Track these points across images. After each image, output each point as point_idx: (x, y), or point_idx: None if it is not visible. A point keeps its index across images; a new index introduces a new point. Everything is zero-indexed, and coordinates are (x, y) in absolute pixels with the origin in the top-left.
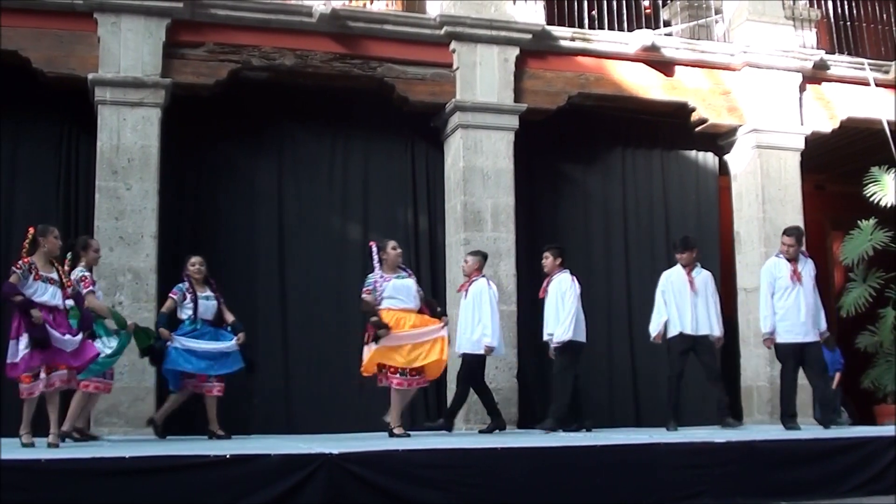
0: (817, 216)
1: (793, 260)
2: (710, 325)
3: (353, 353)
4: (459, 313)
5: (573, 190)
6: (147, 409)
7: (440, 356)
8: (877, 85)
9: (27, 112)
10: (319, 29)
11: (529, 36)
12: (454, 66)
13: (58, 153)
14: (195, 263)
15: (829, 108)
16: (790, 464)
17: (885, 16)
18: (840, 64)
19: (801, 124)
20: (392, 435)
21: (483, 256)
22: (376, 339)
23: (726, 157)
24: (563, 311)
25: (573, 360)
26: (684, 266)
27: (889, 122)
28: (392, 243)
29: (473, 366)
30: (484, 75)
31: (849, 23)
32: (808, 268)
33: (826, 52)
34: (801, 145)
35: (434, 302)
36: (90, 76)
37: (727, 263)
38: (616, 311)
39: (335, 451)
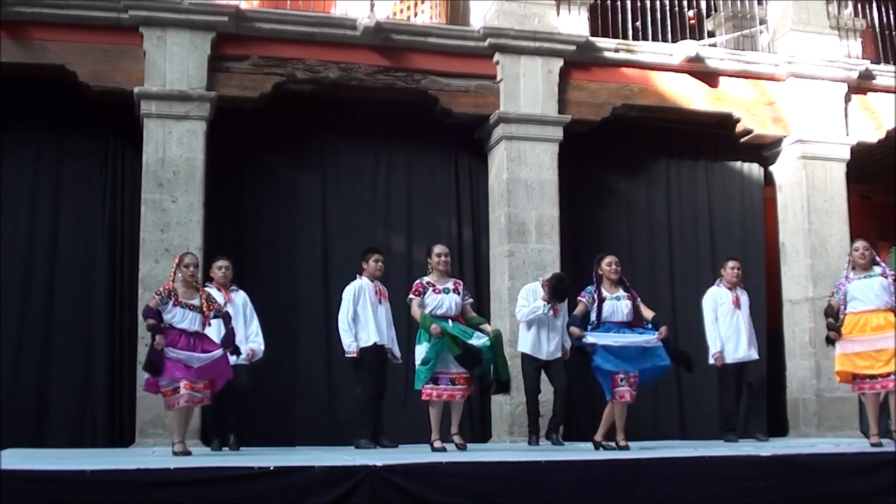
0: (864, 227)
1: (732, 287)
2: None
3: (396, 365)
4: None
5: (617, 201)
6: (192, 420)
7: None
8: None
9: (73, 126)
10: (363, 42)
11: (573, 47)
12: (498, 78)
13: (103, 166)
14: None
15: (875, 118)
16: (835, 477)
17: None
18: (886, 74)
19: (847, 135)
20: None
21: None
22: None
23: (771, 167)
24: None
25: None
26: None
27: None
28: (863, 243)
29: None
30: (528, 87)
31: (894, 32)
32: (744, 296)
33: (871, 62)
34: (847, 156)
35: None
36: (136, 90)
37: (773, 275)
38: None
39: (379, 463)
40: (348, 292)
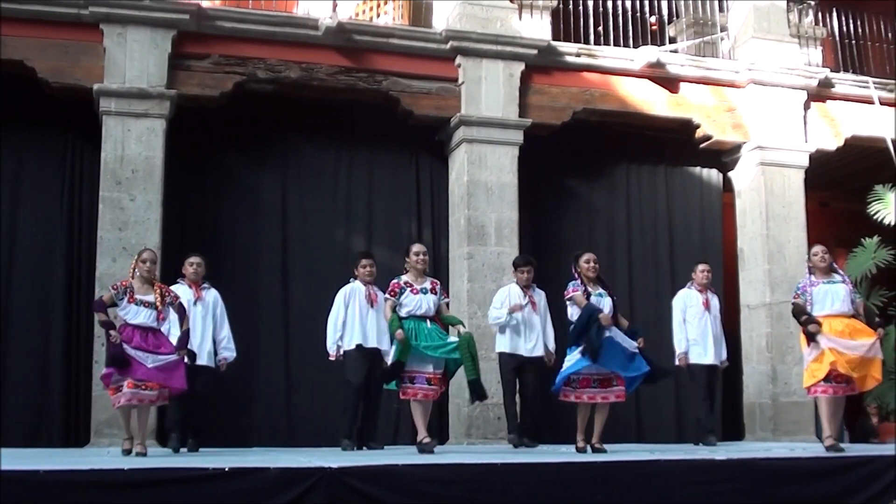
0: (821, 233)
1: (703, 290)
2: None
3: None
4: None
5: (578, 205)
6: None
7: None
8: (881, 103)
9: (32, 122)
10: (325, 42)
11: (535, 51)
12: (459, 81)
13: (62, 163)
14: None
15: (834, 126)
16: (792, 482)
17: (889, 34)
18: (845, 82)
19: (806, 142)
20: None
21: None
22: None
23: (730, 173)
24: None
25: None
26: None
27: (893, 140)
28: (821, 248)
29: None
30: (489, 90)
31: (854, 41)
32: (714, 300)
33: (831, 70)
34: (806, 163)
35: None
36: (95, 87)
37: (730, 280)
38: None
39: (334, 465)
40: (339, 295)
